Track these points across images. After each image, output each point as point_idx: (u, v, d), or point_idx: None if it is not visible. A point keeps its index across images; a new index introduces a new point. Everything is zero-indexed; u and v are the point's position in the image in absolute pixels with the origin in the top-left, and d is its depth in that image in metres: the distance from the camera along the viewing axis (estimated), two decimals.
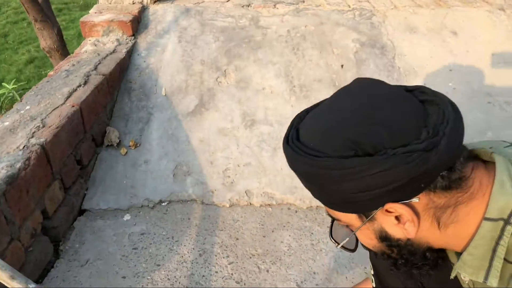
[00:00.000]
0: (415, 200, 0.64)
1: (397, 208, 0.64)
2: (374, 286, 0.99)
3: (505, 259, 0.63)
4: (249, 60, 2.36)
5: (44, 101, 1.78)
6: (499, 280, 0.63)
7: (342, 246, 0.78)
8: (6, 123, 1.62)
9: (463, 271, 0.68)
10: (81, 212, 1.78)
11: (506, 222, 0.62)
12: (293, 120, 0.72)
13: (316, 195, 0.70)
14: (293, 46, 2.44)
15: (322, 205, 1.83)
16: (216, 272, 1.54)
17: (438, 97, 0.66)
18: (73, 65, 2.08)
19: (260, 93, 2.24)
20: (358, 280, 1.52)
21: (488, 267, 0.65)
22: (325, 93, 2.24)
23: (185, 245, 1.64)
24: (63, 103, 1.76)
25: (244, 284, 1.49)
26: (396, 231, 0.68)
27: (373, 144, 0.60)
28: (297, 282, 1.51)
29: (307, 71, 2.34)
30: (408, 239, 0.69)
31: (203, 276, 1.52)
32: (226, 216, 1.80)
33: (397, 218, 0.66)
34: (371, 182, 0.60)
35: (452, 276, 0.72)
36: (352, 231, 0.73)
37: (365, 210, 0.67)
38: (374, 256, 0.95)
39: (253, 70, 2.32)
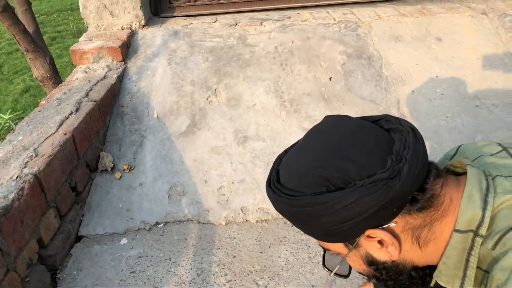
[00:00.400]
0: (392, 224, 0.68)
1: (377, 233, 0.68)
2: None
3: (477, 267, 0.66)
4: (239, 78, 2.40)
5: (36, 130, 1.80)
6: (473, 284, 0.67)
7: (335, 273, 0.82)
8: None
9: (440, 279, 0.71)
10: (78, 238, 1.78)
11: (475, 233, 0.65)
12: (274, 162, 0.79)
13: (303, 230, 0.74)
14: (281, 62, 2.47)
15: None
16: None
17: (401, 125, 0.71)
18: (65, 93, 2.11)
19: (251, 110, 2.27)
20: None
21: (462, 277, 0.68)
22: (314, 107, 2.27)
23: (182, 266, 1.64)
24: (55, 132, 1.78)
25: None
26: (381, 255, 0.72)
27: (342, 178, 0.65)
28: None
29: (296, 85, 2.37)
30: (393, 261, 0.73)
31: None
32: (222, 234, 1.81)
33: (379, 242, 0.70)
34: (346, 213, 0.64)
35: (432, 284, 0.74)
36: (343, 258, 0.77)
37: (349, 238, 0.71)
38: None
39: (243, 88, 2.35)
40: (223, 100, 2.31)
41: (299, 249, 1.71)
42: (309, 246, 1.73)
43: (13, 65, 6.35)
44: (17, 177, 1.50)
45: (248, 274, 1.60)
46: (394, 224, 0.68)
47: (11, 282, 1.35)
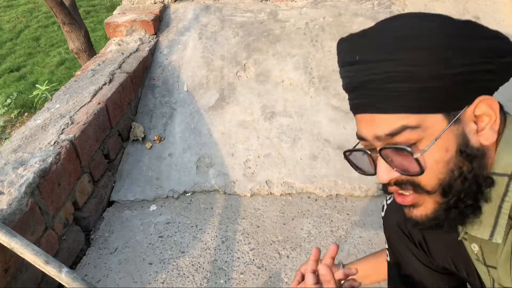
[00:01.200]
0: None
1: (487, 104, 0.62)
2: (388, 259, 1.03)
3: (509, 216, 0.63)
4: (268, 54, 2.40)
5: (72, 99, 1.88)
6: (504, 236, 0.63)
7: (361, 170, 0.73)
8: (38, 121, 1.72)
9: (470, 229, 0.68)
10: (110, 203, 1.87)
11: (510, 177, 0.62)
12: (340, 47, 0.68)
13: (403, 92, 0.61)
14: (311, 38, 2.46)
15: (342, 193, 1.87)
16: (238, 258, 1.59)
17: None
18: (99, 64, 2.18)
19: (279, 86, 2.28)
20: None
21: (494, 224, 0.65)
22: None
23: (208, 233, 1.71)
24: (90, 101, 1.85)
25: (265, 269, 1.54)
26: (474, 139, 0.64)
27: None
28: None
29: (326, 62, 2.36)
30: (483, 149, 0.64)
31: (226, 261, 1.58)
32: (247, 205, 1.85)
33: (475, 123, 0.64)
34: (481, 53, 0.59)
35: (461, 236, 0.73)
36: (425, 144, 0.63)
37: (456, 106, 0.62)
38: (394, 227, 0.97)
39: (272, 63, 2.36)
40: (252, 75, 2.33)
41: (322, 223, 1.74)
42: (331, 221, 1.75)
43: (50, 38, 6.52)
44: (54, 142, 1.58)
45: (271, 244, 1.65)
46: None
47: (49, 240, 1.45)
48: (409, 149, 0.62)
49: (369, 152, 0.70)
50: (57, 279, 1.19)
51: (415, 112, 0.62)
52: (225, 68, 2.35)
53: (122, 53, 2.30)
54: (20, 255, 1.18)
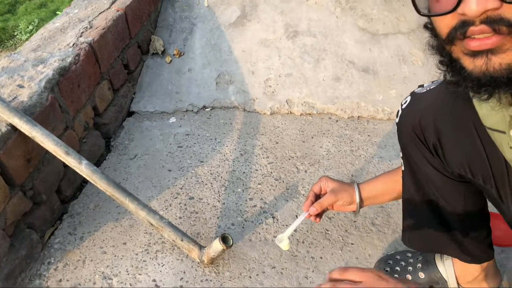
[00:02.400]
0: None
1: None
2: (403, 169, 1.00)
3: None
4: None
5: (91, 5, 1.82)
6: None
7: (428, 8, 0.60)
8: (57, 24, 1.68)
9: None
10: (130, 114, 1.87)
11: None
12: None
13: None
14: None
15: (364, 115, 1.82)
16: (256, 170, 1.59)
17: None
18: None
19: (304, 4, 2.18)
20: None
21: None
22: (372, 4, 2.14)
23: (227, 146, 1.70)
24: (109, 8, 1.80)
25: (283, 181, 1.54)
26: None
27: None
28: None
29: None
30: None
31: (244, 172, 1.58)
32: (266, 123, 1.83)
33: None
34: None
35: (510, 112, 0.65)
36: None
37: None
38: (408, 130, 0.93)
39: None
40: None
41: (342, 142, 1.72)
42: (352, 141, 1.73)
43: None
44: (73, 44, 1.54)
45: (289, 159, 1.64)
46: None
47: (70, 139, 1.45)
48: None
49: None
50: (77, 170, 1.20)
51: None
52: None
53: None
54: (41, 144, 1.19)
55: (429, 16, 0.60)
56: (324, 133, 1.78)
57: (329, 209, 1.12)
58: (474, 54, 0.56)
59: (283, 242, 1.07)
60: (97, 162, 1.61)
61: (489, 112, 0.73)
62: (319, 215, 1.10)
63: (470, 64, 0.57)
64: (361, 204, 1.10)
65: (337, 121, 1.84)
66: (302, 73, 1.99)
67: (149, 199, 1.47)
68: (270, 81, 1.98)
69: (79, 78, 1.50)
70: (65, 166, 1.38)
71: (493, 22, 0.52)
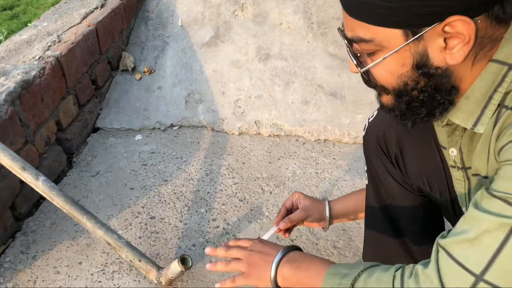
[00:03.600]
0: (476, 20, 0.57)
1: (459, 25, 0.57)
2: (366, 183, 1.02)
3: (505, 106, 0.60)
4: None
5: (61, 19, 1.81)
6: (498, 128, 0.60)
7: (363, 72, 0.69)
8: (24, 36, 1.66)
9: (454, 117, 0.66)
10: (95, 130, 1.84)
11: (510, 67, 0.59)
12: None
13: (364, 2, 0.59)
14: None
15: (330, 138, 1.85)
16: (221, 190, 1.58)
17: None
18: None
19: (277, 28, 2.22)
20: None
21: (479, 115, 0.63)
22: None
23: (192, 165, 1.69)
24: (80, 22, 1.79)
25: (247, 202, 1.54)
26: (438, 57, 0.61)
27: None
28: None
29: (327, 8, 2.29)
30: (447, 69, 0.61)
31: (208, 192, 1.57)
32: (234, 143, 1.83)
33: (445, 41, 0.59)
34: None
35: (443, 123, 0.71)
36: (379, 56, 0.63)
37: (419, 24, 0.58)
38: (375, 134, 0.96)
39: (271, 5, 2.28)
40: (249, 15, 2.25)
41: (308, 165, 1.73)
42: (317, 163, 1.74)
43: None
44: (39, 57, 1.52)
45: (255, 180, 1.64)
46: (479, 22, 0.57)
47: (29, 154, 1.42)
48: (355, 62, 0.67)
49: (344, 36, 0.68)
50: (33, 186, 1.17)
51: (374, 24, 0.60)
52: (222, 6, 2.27)
53: None
54: None
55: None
56: (290, 155, 1.79)
57: (299, 224, 1.12)
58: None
59: None
60: (57, 178, 1.57)
61: (438, 130, 0.79)
62: (288, 230, 1.09)
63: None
64: (331, 221, 1.10)
65: (304, 143, 1.86)
66: (272, 95, 2.01)
67: (109, 217, 1.44)
68: (240, 102, 1.99)
69: (43, 92, 1.47)
70: (22, 182, 1.34)
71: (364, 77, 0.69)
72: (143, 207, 1.49)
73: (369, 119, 0.98)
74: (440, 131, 0.77)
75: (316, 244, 1.37)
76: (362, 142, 1.00)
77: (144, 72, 2.02)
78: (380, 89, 0.69)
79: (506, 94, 0.60)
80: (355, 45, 0.65)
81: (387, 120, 0.92)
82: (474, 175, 0.69)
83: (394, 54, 0.61)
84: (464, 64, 0.61)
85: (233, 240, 0.86)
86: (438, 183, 0.86)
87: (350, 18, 0.63)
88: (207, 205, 1.52)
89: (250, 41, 2.17)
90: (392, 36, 0.60)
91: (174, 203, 1.51)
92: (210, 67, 2.08)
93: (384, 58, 0.62)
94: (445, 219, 1.01)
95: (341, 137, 1.86)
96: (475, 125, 0.63)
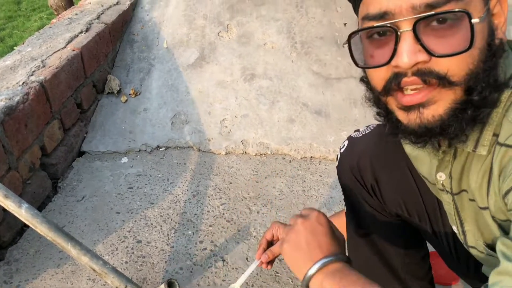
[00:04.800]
0: None
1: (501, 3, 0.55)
2: (346, 211, 1.02)
3: (494, 133, 0.59)
4: (252, 16, 2.36)
5: (45, 44, 1.81)
6: (498, 164, 0.57)
7: (364, 60, 0.61)
8: (7, 62, 1.66)
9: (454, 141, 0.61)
10: (80, 153, 1.83)
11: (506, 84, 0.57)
12: None
13: None
14: (296, 3, 2.42)
15: (316, 156, 1.86)
16: (208, 211, 1.58)
17: None
18: (76, 14, 2.11)
19: (261, 49, 2.25)
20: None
21: (478, 136, 0.60)
22: (326, 50, 2.23)
23: (179, 187, 1.68)
24: (64, 47, 1.79)
25: (235, 223, 1.53)
26: (496, 33, 0.57)
27: None
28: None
29: (310, 28, 2.33)
30: (503, 49, 0.57)
31: (195, 214, 1.56)
32: (221, 163, 1.83)
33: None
34: None
35: (441, 150, 0.67)
36: (463, 24, 0.53)
37: None
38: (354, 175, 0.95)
39: (255, 26, 2.32)
40: (234, 36, 2.28)
41: (294, 183, 1.74)
42: (304, 181, 1.75)
43: (31, 2, 6.32)
44: (23, 82, 1.52)
45: (242, 200, 1.64)
46: None
47: (12, 181, 1.40)
48: (467, 11, 0.52)
49: (396, 28, 0.55)
50: (16, 214, 1.15)
51: None
52: (207, 28, 2.30)
53: (102, 5, 2.23)
54: None
55: (366, 68, 0.63)
56: (277, 173, 1.79)
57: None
58: (407, 108, 0.59)
59: None
60: (42, 204, 1.56)
61: (418, 155, 0.77)
62: (270, 262, 1.07)
63: (405, 118, 0.60)
64: None
65: (290, 161, 1.87)
66: (257, 114, 2.02)
67: (94, 243, 1.42)
68: (226, 122, 2.00)
69: (27, 117, 1.47)
70: (5, 210, 1.32)
71: (423, 74, 0.55)
72: (129, 231, 1.48)
73: (340, 149, 0.98)
74: (421, 158, 0.76)
75: None
76: (336, 161, 1.00)
77: (129, 94, 2.03)
78: (442, 84, 0.55)
79: (504, 113, 0.57)
80: (422, 24, 0.53)
81: (360, 150, 0.93)
82: (471, 200, 0.67)
83: (480, 23, 0.53)
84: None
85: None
86: (416, 209, 0.86)
87: None
88: (194, 227, 1.51)
89: (235, 61, 2.19)
90: (474, 3, 0.54)
91: (161, 226, 1.50)
92: (195, 88, 2.09)
93: (485, 14, 0.54)
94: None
95: (327, 154, 1.88)
96: (475, 147, 0.60)
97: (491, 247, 0.70)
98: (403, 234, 0.96)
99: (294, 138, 1.93)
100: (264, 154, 1.90)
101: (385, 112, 0.65)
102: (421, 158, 0.77)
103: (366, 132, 0.95)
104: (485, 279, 0.75)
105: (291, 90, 2.10)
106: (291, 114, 2.01)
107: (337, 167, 0.99)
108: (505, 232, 0.63)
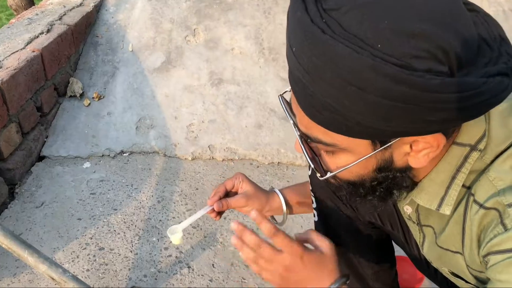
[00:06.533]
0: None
1: (431, 137, 0.54)
2: (315, 219, 1.01)
3: (464, 185, 0.61)
4: (220, 21, 2.35)
5: (3, 45, 1.74)
6: (477, 225, 0.59)
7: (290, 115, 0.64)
8: None
9: (418, 198, 0.65)
10: (40, 158, 1.76)
11: (472, 148, 0.59)
12: None
13: (331, 109, 0.51)
14: (264, 9, 2.43)
15: (284, 161, 1.87)
16: (174, 217, 1.55)
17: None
18: (37, 14, 2.04)
19: (229, 54, 2.24)
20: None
21: (443, 195, 0.62)
22: None
23: (144, 193, 1.65)
24: (23, 48, 1.73)
25: (201, 229, 1.51)
26: (402, 160, 0.59)
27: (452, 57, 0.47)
28: (253, 228, 1.53)
29: (277, 34, 2.34)
30: (407, 168, 0.60)
31: (160, 220, 1.53)
32: (187, 168, 1.81)
33: (411, 147, 0.57)
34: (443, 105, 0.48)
35: (404, 204, 0.70)
36: (341, 155, 0.59)
37: (389, 135, 0.55)
38: (323, 187, 0.94)
39: (223, 31, 2.31)
40: (201, 41, 2.27)
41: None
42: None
43: None
44: None
45: None
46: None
47: None
48: (312, 166, 0.62)
49: (294, 122, 0.61)
50: None
51: (337, 132, 0.55)
52: (174, 32, 2.27)
53: (64, 6, 2.16)
54: None
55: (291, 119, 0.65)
56: None
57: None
58: None
59: (176, 234, 0.93)
60: None
61: None
62: (220, 213, 0.98)
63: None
64: (290, 211, 1.01)
65: (258, 167, 1.86)
66: (225, 120, 2.01)
67: (54, 250, 1.37)
68: (193, 127, 1.98)
69: None
70: None
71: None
72: (91, 238, 1.43)
73: None
74: None
75: None
76: (308, 170, 0.99)
77: (93, 98, 1.97)
78: (332, 179, 0.65)
79: (471, 174, 0.60)
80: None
81: None
82: (440, 247, 0.69)
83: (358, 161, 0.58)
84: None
85: (270, 228, 0.67)
86: (389, 217, 0.87)
87: (302, 113, 0.56)
88: (158, 233, 1.47)
89: (203, 66, 2.18)
90: (358, 144, 0.56)
91: (124, 232, 1.46)
92: (162, 92, 2.06)
93: (350, 166, 0.58)
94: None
95: (294, 159, 1.89)
96: (439, 206, 0.62)
97: (456, 274, 0.72)
98: (374, 240, 0.97)
99: (261, 143, 1.93)
100: (231, 159, 1.89)
101: None
102: None
103: None
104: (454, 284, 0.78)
105: (259, 95, 2.10)
106: (259, 120, 2.01)
107: (309, 176, 0.98)
108: (479, 281, 0.66)
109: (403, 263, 1.21)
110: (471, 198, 0.60)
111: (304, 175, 1.82)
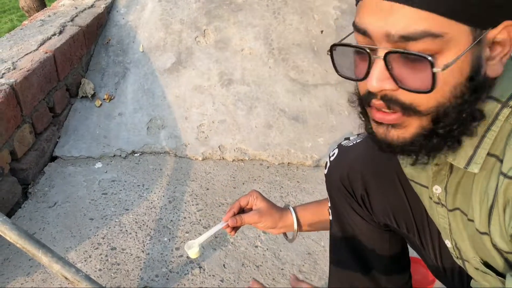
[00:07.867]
0: None
1: (507, 33, 0.52)
2: (331, 218, 1.02)
3: (488, 152, 0.58)
4: (229, 22, 2.36)
5: (16, 46, 1.76)
6: (503, 196, 0.57)
7: (344, 72, 0.61)
8: None
9: (450, 157, 0.62)
10: (53, 158, 1.78)
11: (503, 105, 0.57)
12: None
13: None
14: (274, 10, 2.43)
15: (294, 162, 1.87)
16: (185, 217, 1.56)
17: None
18: (49, 16, 2.06)
19: (239, 54, 2.25)
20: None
21: (472, 154, 0.60)
22: (302, 57, 2.25)
23: (155, 193, 1.66)
24: (36, 49, 1.75)
25: None
26: (484, 68, 0.55)
27: None
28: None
29: (287, 35, 2.34)
30: (488, 83, 0.56)
31: (171, 220, 1.54)
32: (198, 169, 1.82)
33: (490, 49, 0.54)
34: None
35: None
36: (441, 59, 0.52)
37: (487, 21, 0.52)
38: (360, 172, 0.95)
39: (233, 32, 2.32)
40: (211, 41, 2.28)
41: (272, 189, 1.74)
42: (282, 187, 1.75)
43: (2, 3, 6.16)
44: None
45: (219, 206, 1.62)
46: None
47: None
48: (430, 58, 0.51)
49: (369, 52, 0.55)
50: None
51: (442, 14, 0.50)
52: (184, 33, 2.28)
53: (76, 8, 2.18)
54: None
55: (345, 78, 0.63)
56: (255, 179, 1.79)
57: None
58: (378, 122, 0.61)
59: (193, 249, 0.95)
60: (11, 210, 1.50)
61: (410, 168, 0.77)
62: (235, 228, 1.01)
63: (375, 129, 0.63)
64: (300, 229, 1.03)
65: (268, 167, 1.87)
66: (235, 120, 2.02)
67: (67, 250, 1.38)
68: (203, 127, 1.98)
69: None
70: None
71: (389, 101, 0.57)
72: (103, 238, 1.44)
73: (330, 157, 0.96)
74: (419, 168, 0.74)
75: (282, 269, 1.37)
76: (324, 165, 1.00)
77: (104, 98, 1.99)
78: (407, 113, 0.57)
79: (500, 142, 0.58)
80: (392, 57, 0.54)
81: (350, 160, 0.92)
82: (470, 220, 0.67)
83: (460, 58, 0.52)
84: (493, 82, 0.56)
85: (295, 280, 0.76)
86: (405, 220, 0.86)
87: (409, 9, 0.51)
88: (170, 233, 1.48)
89: (212, 66, 2.19)
90: (462, 32, 0.52)
91: (136, 232, 1.47)
92: (172, 93, 2.07)
93: (458, 57, 0.52)
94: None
95: (304, 160, 1.89)
96: (468, 164, 0.60)
97: (487, 264, 0.70)
98: (389, 243, 0.96)
99: (271, 144, 1.93)
100: (241, 159, 1.89)
101: (365, 115, 0.66)
102: (419, 169, 0.75)
103: (357, 141, 0.95)
104: None
105: (268, 96, 2.11)
106: (268, 120, 2.01)
107: (325, 175, 0.98)
108: (508, 263, 0.64)
109: (415, 264, 1.21)
110: (498, 167, 0.57)
111: (313, 176, 1.82)
